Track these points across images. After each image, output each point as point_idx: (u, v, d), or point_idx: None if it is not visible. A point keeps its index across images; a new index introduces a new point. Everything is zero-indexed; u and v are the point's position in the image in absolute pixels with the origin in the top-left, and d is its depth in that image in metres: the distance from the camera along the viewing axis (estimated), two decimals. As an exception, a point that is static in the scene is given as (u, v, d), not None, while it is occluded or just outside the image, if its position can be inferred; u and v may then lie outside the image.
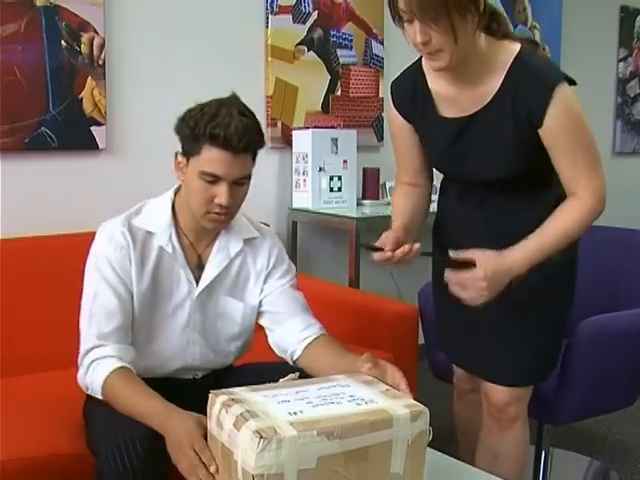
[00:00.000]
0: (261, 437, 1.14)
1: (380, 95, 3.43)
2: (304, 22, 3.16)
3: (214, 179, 1.59)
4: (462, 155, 1.70)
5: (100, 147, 2.64)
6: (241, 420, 1.20)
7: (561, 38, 4.23)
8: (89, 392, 1.62)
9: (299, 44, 3.15)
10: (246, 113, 1.62)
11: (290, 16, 3.11)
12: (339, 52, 3.28)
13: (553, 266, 1.71)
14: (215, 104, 1.62)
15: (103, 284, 1.64)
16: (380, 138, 3.45)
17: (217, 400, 1.29)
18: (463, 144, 1.69)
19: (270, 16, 3.05)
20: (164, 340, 1.73)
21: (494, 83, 1.61)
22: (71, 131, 2.56)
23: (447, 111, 1.70)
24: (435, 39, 1.49)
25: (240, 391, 1.34)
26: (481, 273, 1.52)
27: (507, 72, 1.59)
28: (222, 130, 1.56)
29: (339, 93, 3.30)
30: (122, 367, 1.58)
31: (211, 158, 1.58)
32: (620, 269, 2.45)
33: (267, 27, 3.06)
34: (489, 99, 1.62)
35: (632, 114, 4.83)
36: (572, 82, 1.62)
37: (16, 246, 2.31)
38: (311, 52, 3.20)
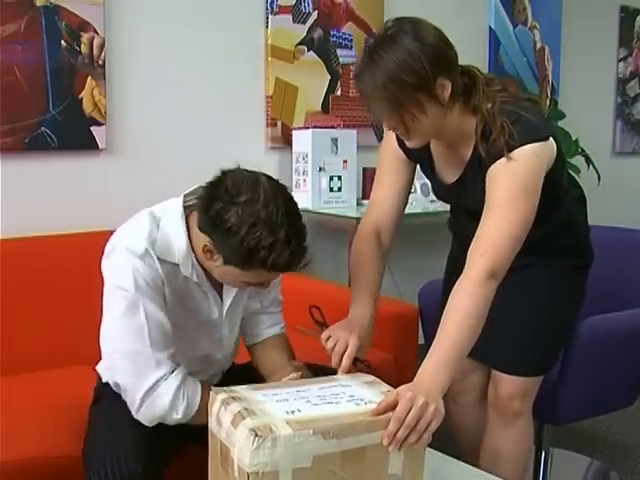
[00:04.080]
0: (256, 435, 1.15)
1: (380, 95, 3.42)
2: (304, 22, 3.16)
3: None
4: (461, 200, 1.77)
5: (100, 147, 2.64)
6: (238, 418, 1.20)
7: (561, 38, 4.23)
8: (171, 418, 1.49)
9: (299, 44, 3.15)
10: (296, 223, 1.43)
11: (290, 16, 3.11)
12: (339, 52, 3.29)
13: (563, 266, 1.79)
14: (265, 219, 1.38)
15: (150, 304, 1.49)
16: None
17: (217, 398, 1.30)
18: (458, 198, 1.77)
19: (270, 16, 3.05)
20: (194, 360, 1.66)
21: (467, 150, 1.65)
22: (71, 131, 2.56)
23: (440, 168, 1.75)
24: (399, 128, 1.55)
25: (241, 389, 1.35)
26: (406, 394, 1.30)
27: (475, 143, 1.61)
28: (283, 262, 1.40)
29: (339, 93, 3.30)
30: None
31: (260, 276, 1.47)
32: (620, 269, 2.45)
33: (267, 27, 3.06)
34: (464, 167, 1.68)
35: (632, 114, 4.82)
36: (549, 136, 1.57)
37: (16, 246, 2.31)
38: (311, 52, 3.20)
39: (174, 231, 1.54)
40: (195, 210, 1.52)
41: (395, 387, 1.39)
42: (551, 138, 1.58)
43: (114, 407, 1.59)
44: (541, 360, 1.86)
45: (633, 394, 2.32)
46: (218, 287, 1.64)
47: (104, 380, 1.68)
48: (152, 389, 1.46)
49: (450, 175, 1.74)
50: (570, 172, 1.91)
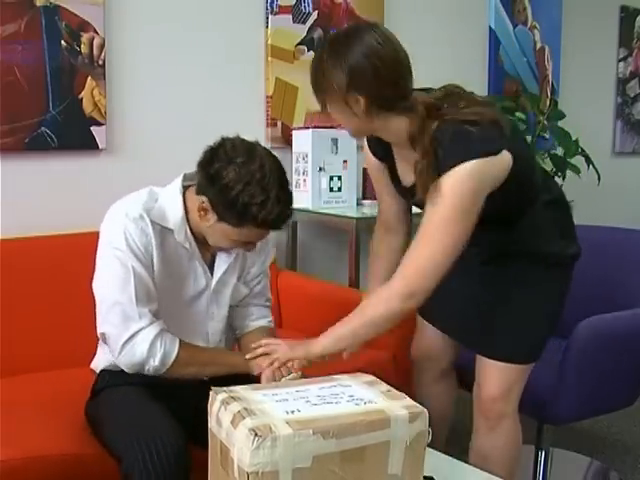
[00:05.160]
0: (256, 435, 1.15)
1: (380, 95, 3.42)
2: (304, 22, 3.16)
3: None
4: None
5: (100, 147, 2.64)
6: (238, 418, 1.20)
7: (561, 38, 4.23)
8: (149, 365, 1.62)
9: (299, 44, 3.15)
10: (285, 186, 1.62)
11: (290, 16, 3.11)
12: (339, 52, 3.28)
13: (548, 256, 1.81)
14: (259, 179, 1.56)
15: (137, 263, 1.63)
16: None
17: (217, 398, 1.30)
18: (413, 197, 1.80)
19: (270, 16, 3.05)
20: (184, 332, 1.75)
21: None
22: (71, 131, 2.56)
23: (402, 172, 1.80)
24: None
25: (240, 389, 1.35)
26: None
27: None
28: (272, 219, 1.59)
29: (339, 93, 3.30)
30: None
31: (251, 234, 1.64)
32: (620, 269, 2.45)
33: (267, 27, 3.06)
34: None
35: (632, 114, 4.82)
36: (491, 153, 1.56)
37: (16, 246, 2.31)
38: (311, 52, 3.19)
39: (171, 203, 1.69)
40: (193, 186, 1.67)
41: (394, 386, 1.39)
42: (503, 152, 1.55)
43: (120, 393, 1.67)
44: (528, 347, 1.84)
45: (633, 394, 2.32)
46: (209, 261, 1.78)
47: (98, 370, 1.79)
48: (132, 337, 1.61)
49: (410, 176, 1.73)
50: (546, 176, 1.95)
